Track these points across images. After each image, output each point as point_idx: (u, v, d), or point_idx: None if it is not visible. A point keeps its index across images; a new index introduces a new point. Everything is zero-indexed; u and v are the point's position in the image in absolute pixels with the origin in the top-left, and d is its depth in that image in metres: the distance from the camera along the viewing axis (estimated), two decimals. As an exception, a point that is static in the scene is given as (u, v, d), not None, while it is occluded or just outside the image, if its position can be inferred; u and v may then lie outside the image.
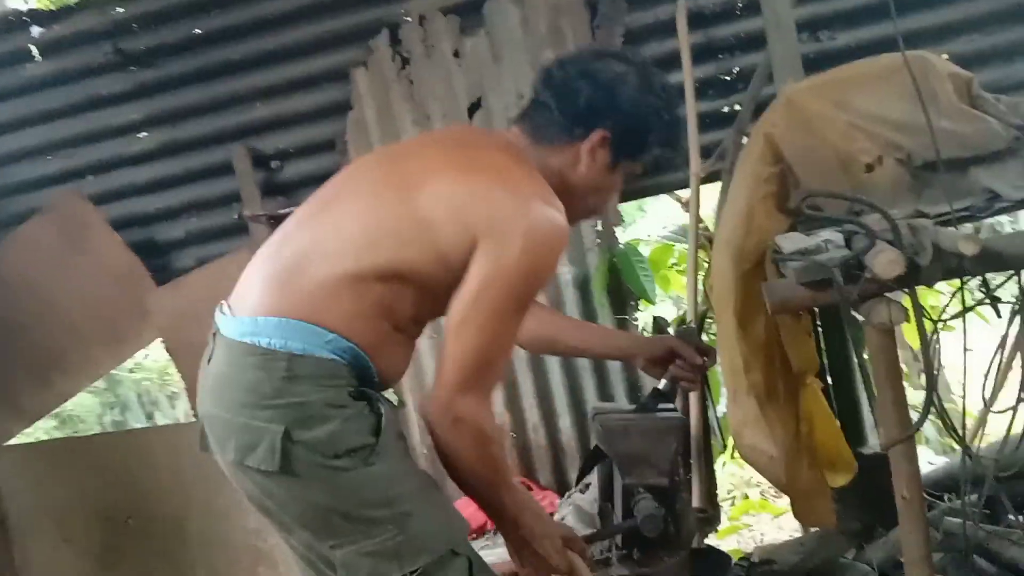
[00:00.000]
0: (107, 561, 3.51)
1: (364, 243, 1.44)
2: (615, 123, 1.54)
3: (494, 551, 2.25)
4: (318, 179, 3.19)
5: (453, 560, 1.45)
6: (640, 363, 1.94)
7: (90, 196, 3.38)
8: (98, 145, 3.44)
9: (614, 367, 3.16)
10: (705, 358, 1.92)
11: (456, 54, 3.12)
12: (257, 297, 1.47)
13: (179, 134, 3.38)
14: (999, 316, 1.72)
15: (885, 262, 1.45)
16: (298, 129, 3.31)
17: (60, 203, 3.38)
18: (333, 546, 1.41)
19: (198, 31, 3.26)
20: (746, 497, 4.76)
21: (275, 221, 3.28)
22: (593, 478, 2.05)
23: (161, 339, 3.49)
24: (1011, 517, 2.24)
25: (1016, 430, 1.87)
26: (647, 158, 1.62)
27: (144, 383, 8.30)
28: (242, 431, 1.39)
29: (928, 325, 1.64)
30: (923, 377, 4.37)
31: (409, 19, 3.15)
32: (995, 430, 2.13)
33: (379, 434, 1.41)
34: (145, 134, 3.42)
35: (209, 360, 1.50)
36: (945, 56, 2.20)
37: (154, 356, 7.50)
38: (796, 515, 2.34)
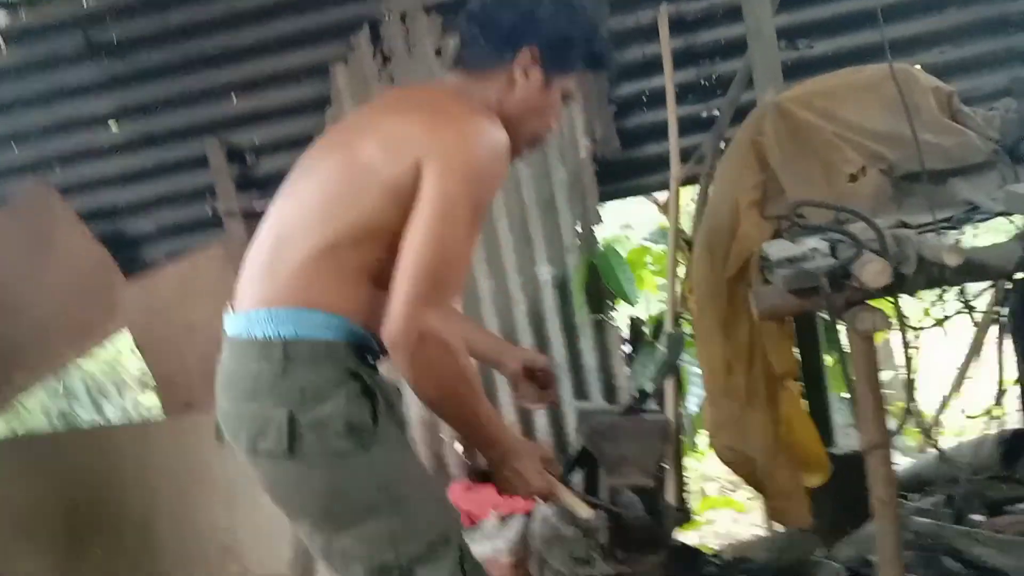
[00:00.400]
0: (71, 560, 3.46)
1: (325, 213, 1.49)
2: (539, 38, 1.58)
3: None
4: (295, 175, 3.25)
5: (446, 547, 1.49)
6: (506, 371, 1.89)
7: (58, 187, 3.31)
8: (67, 136, 3.36)
9: (589, 366, 3.19)
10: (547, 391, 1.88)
11: (438, 53, 3.11)
12: (249, 292, 1.54)
13: (152, 126, 3.31)
14: (975, 325, 1.78)
15: (873, 272, 1.48)
16: (275, 124, 3.27)
17: (28, 194, 3.31)
18: (332, 535, 1.47)
19: (173, 22, 3.20)
20: (703, 492, 4.84)
21: (249, 216, 3.25)
22: (577, 478, 2.06)
23: (130, 333, 3.43)
24: (978, 518, 2.31)
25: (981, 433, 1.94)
26: (576, 69, 1.65)
27: (95, 373, 8.15)
28: (251, 420, 1.46)
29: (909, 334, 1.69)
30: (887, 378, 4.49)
31: (391, 16, 3.13)
32: (961, 432, 2.20)
33: (376, 420, 1.46)
34: (116, 125, 3.34)
35: (220, 360, 1.57)
36: (918, 66, 2.25)
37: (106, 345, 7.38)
38: (772, 515, 2.39)
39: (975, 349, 1.83)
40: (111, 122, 3.37)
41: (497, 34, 1.58)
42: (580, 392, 3.19)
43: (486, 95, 1.59)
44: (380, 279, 1.48)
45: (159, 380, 3.45)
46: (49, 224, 3.32)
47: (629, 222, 4.48)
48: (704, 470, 5.00)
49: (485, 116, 1.52)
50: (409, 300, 1.41)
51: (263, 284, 1.52)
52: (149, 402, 7.72)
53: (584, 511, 1.66)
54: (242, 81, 3.24)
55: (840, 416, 3.02)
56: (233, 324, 1.53)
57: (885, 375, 4.53)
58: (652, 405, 2.00)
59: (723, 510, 4.60)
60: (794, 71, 2.80)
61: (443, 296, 1.46)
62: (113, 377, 8.41)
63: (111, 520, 3.43)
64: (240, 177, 3.29)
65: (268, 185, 3.31)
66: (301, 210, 1.53)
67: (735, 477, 4.72)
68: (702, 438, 3.38)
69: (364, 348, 1.51)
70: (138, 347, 3.46)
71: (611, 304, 3.17)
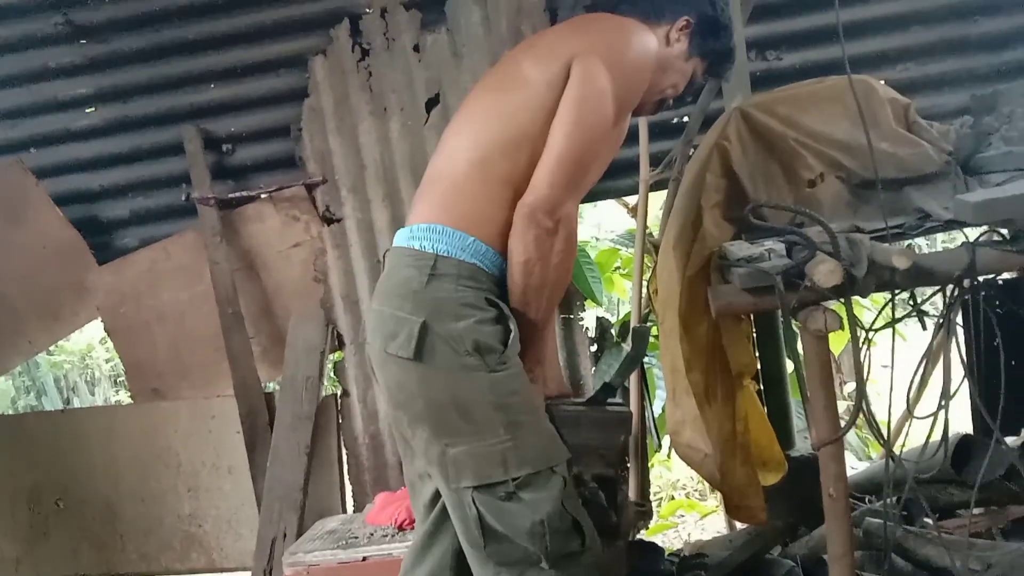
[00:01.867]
0: (34, 544, 3.44)
1: (481, 127, 1.65)
2: (699, 14, 1.84)
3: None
4: (270, 164, 3.28)
5: (552, 477, 1.59)
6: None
7: (33, 169, 3.30)
8: (43, 118, 3.34)
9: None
10: None
11: (416, 48, 3.14)
12: (417, 210, 1.70)
13: (129, 111, 3.31)
14: (924, 328, 1.84)
15: (824, 272, 1.55)
16: (252, 113, 3.28)
17: (1, 175, 3.30)
18: (448, 444, 1.56)
19: (154, 7, 3.20)
20: (672, 498, 4.91)
21: (224, 204, 3.26)
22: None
23: (100, 319, 3.43)
24: (927, 520, 2.38)
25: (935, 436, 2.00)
26: (708, 55, 1.88)
27: (64, 366, 8.05)
28: (389, 321, 1.59)
29: (860, 334, 1.75)
30: (845, 388, 4.58)
31: (371, 11, 3.15)
32: (914, 437, 2.26)
33: (507, 344, 1.57)
34: (93, 109, 3.34)
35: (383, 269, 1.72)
36: (883, 81, 2.32)
37: (75, 338, 7.31)
38: (729, 512, 2.44)
39: (928, 355, 1.89)
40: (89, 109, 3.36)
41: None
42: (547, 388, 3.23)
43: None
44: (522, 190, 1.61)
45: (128, 366, 3.45)
46: (22, 206, 3.31)
47: (599, 225, 4.55)
48: (673, 478, 5.07)
49: (637, 26, 1.74)
50: (555, 181, 1.54)
51: (428, 202, 1.67)
52: (121, 399, 7.67)
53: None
54: (220, 69, 3.24)
55: (799, 420, 3.09)
56: (398, 236, 1.69)
57: (849, 387, 4.64)
58: (617, 400, 2.04)
59: (689, 514, 4.67)
60: (762, 81, 2.87)
61: (583, 185, 1.62)
62: (84, 372, 8.33)
63: (75, 505, 3.43)
64: (215, 165, 3.30)
65: (243, 174, 3.33)
66: (466, 130, 1.69)
67: (702, 485, 4.81)
68: (668, 443, 3.44)
69: (503, 284, 1.64)
70: (108, 333, 3.46)
71: (579, 303, 3.22)
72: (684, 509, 4.67)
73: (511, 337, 1.58)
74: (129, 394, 3.56)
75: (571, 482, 1.64)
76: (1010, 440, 2.60)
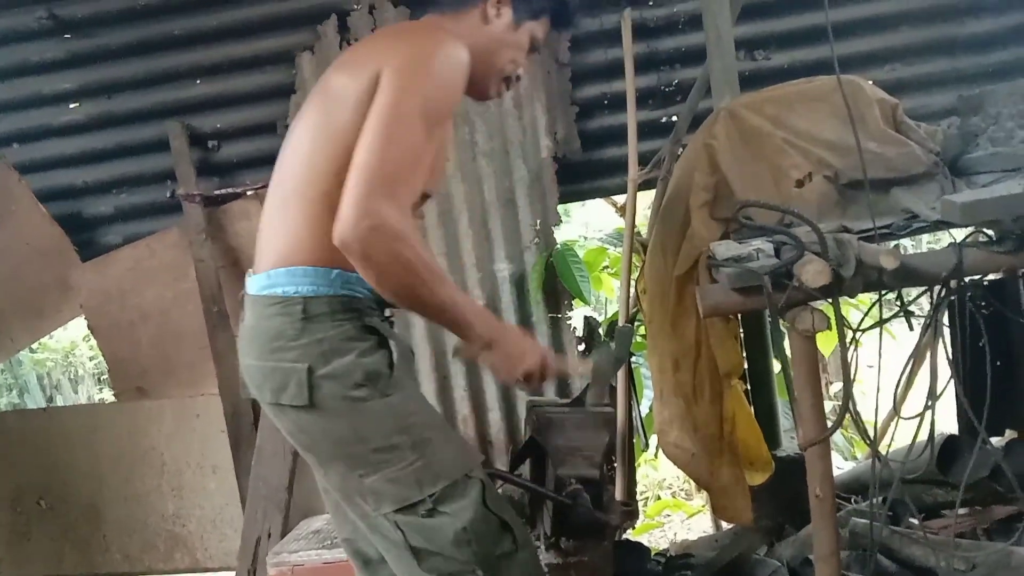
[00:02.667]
0: (16, 544, 3.41)
1: (313, 155, 1.56)
2: None
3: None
4: (257, 161, 3.26)
5: (468, 483, 1.57)
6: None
7: (15, 165, 3.27)
8: (26, 113, 3.31)
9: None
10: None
11: (404, 46, 3.12)
12: (267, 251, 1.62)
13: (113, 106, 3.28)
14: (911, 329, 1.84)
15: (812, 272, 1.54)
16: (239, 109, 3.26)
17: (-18, 170, 3.26)
18: (362, 475, 1.55)
19: (139, 2, 3.17)
20: (659, 498, 4.91)
21: (209, 201, 3.24)
22: (524, 469, 2.09)
23: (84, 317, 3.40)
24: (912, 520, 2.39)
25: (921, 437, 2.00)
26: (543, 15, 1.78)
27: (47, 364, 7.98)
28: (273, 374, 1.54)
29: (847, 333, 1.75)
30: (831, 388, 4.60)
31: (359, 7, 3.13)
32: (900, 437, 2.27)
33: (392, 367, 1.55)
34: (77, 104, 3.31)
35: (243, 320, 1.65)
36: (871, 82, 2.32)
37: (58, 336, 7.24)
38: (715, 511, 2.44)
39: (914, 355, 1.89)
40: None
41: None
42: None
43: (458, 29, 1.69)
44: None
45: (111, 364, 3.41)
46: (5, 203, 3.28)
47: (587, 224, 4.54)
48: (659, 478, 5.08)
49: (445, 35, 1.62)
50: (358, 195, 1.42)
51: (278, 242, 1.59)
52: (105, 397, 7.60)
53: (583, 367, 1.79)
54: (207, 65, 3.22)
55: (786, 420, 3.09)
56: (255, 283, 1.60)
57: (835, 387, 4.65)
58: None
59: (675, 513, 4.67)
60: (751, 81, 2.87)
61: (396, 193, 1.46)
62: (67, 370, 8.26)
63: (57, 505, 3.40)
64: (201, 162, 3.28)
65: (229, 171, 3.30)
66: (295, 162, 1.61)
67: (688, 484, 4.82)
68: (655, 442, 3.44)
69: (380, 300, 1.59)
70: (92, 330, 3.43)
71: (569, 303, 3.21)
72: (670, 509, 4.67)
73: (395, 359, 1.56)
74: (113, 393, 3.53)
75: (491, 484, 1.63)
76: (995, 441, 2.62)
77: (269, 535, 2.99)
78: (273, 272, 1.57)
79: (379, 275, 1.47)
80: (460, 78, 1.60)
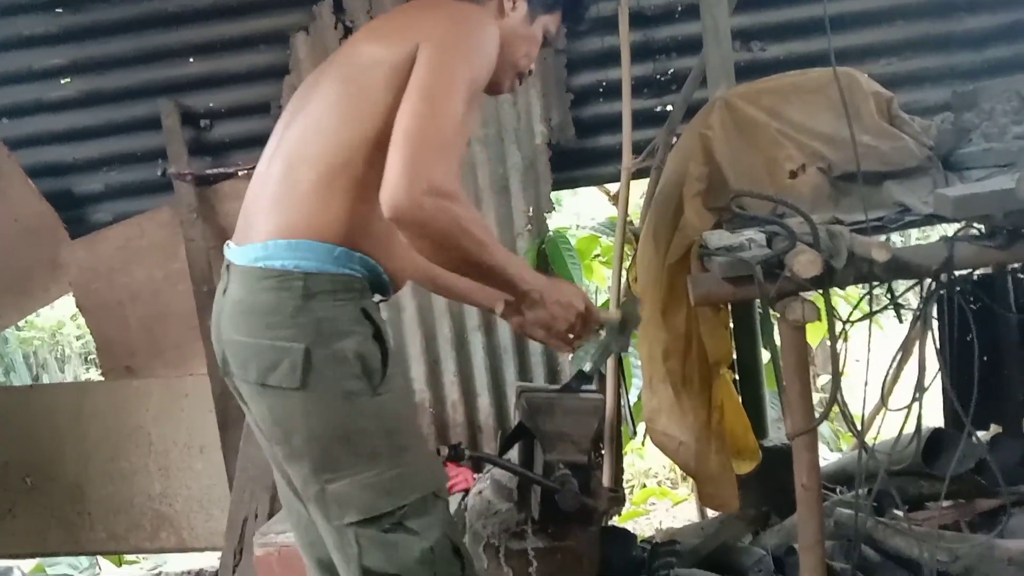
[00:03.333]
0: (0, 521, 3.40)
1: (335, 128, 1.48)
2: None
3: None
4: (249, 141, 3.24)
5: (436, 501, 1.50)
6: (501, 308, 1.82)
7: (5, 140, 3.24)
8: (16, 88, 3.28)
9: (534, 349, 3.23)
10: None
11: (400, 28, 3.11)
12: (263, 221, 1.50)
13: (105, 83, 3.26)
14: (901, 321, 1.85)
15: (804, 262, 1.55)
16: (231, 89, 3.24)
17: (-28, 145, 3.23)
18: (328, 479, 1.45)
19: (133, -22, 3.15)
20: (644, 486, 4.94)
21: (201, 181, 3.22)
22: (513, 454, 2.10)
23: (73, 295, 3.38)
24: (897, 511, 2.41)
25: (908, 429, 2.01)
26: (556, 9, 1.76)
27: (34, 342, 7.94)
28: (265, 352, 1.43)
29: (836, 326, 1.76)
30: (819, 380, 4.63)
31: (355, -12, 3.12)
32: (889, 428, 2.29)
33: (387, 364, 1.47)
34: (68, 80, 3.28)
35: (224, 291, 1.53)
36: (866, 75, 2.33)
37: (45, 314, 7.20)
38: (702, 499, 2.46)
39: (903, 347, 1.90)
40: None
41: None
42: (524, 374, 3.23)
43: None
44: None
45: (100, 343, 3.40)
46: (-7, 177, 3.25)
47: (578, 213, 4.54)
48: (646, 466, 5.11)
49: (482, 14, 1.61)
50: (409, 160, 1.35)
51: (279, 212, 1.48)
52: (92, 376, 7.57)
53: (614, 315, 1.81)
54: (200, 43, 3.20)
55: (774, 410, 3.11)
56: (245, 254, 1.48)
57: (823, 379, 4.69)
58: (591, 387, 2.04)
59: (661, 501, 4.70)
60: (747, 72, 2.85)
61: (447, 158, 1.40)
62: (54, 348, 8.22)
63: (43, 483, 3.39)
64: (193, 141, 3.26)
65: (221, 150, 3.28)
66: (310, 131, 1.51)
67: (674, 473, 4.85)
68: (644, 430, 3.46)
69: (376, 285, 1.53)
70: (80, 309, 3.41)
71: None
72: (656, 497, 4.70)
73: (388, 355, 1.48)
74: (100, 371, 3.52)
75: (448, 506, 1.54)
76: (981, 434, 2.64)
77: (256, 515, 2.99)
78: (272, 243, 1.45)
79: (438, 240, 1.39)
80: (495, 57, 1.58)
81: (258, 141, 3.22)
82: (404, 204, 1.34)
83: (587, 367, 1.99)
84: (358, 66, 1.52)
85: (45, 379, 7.77)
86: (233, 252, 1.53)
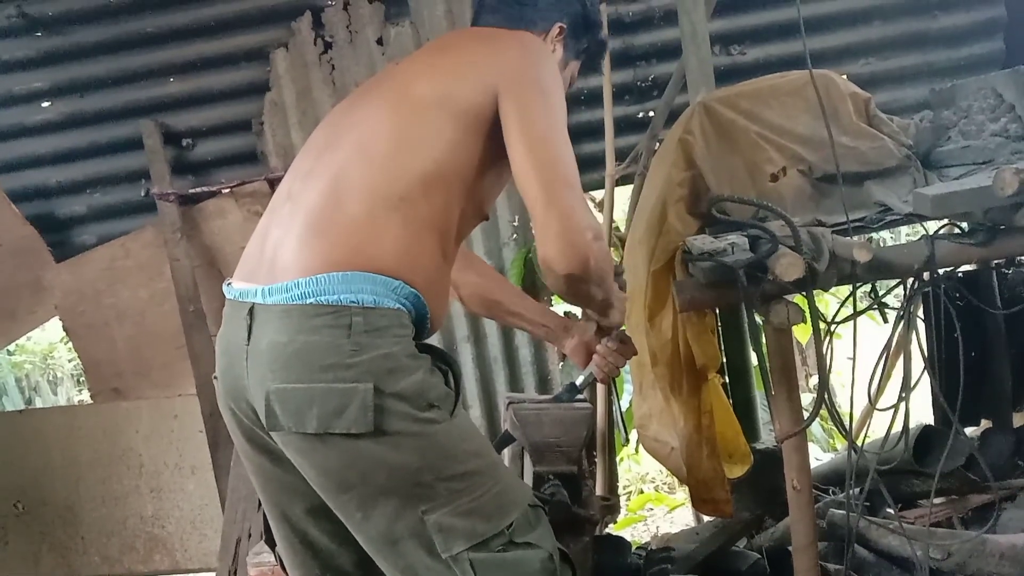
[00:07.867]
0: (-9, 547, 3.37)
1: (394, 154, 1.42)
2: (570, 17, 1.69)
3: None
4: (231, 159, 3.24)
5: (536, 511, 1.43)
6: (566, 346, 1.86)
7: (-14, 165, 3.23)
8: (-3, 112, 3.28)
9: (524, 359, 3.22)
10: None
11: (380, 42, 3.11)
12: (298, 256, 1.38)
13: (86, 105, 3.25)
14: (885, 321, 1.86)
15: (786, 265, 1.55)
16: (213, 107, 3.23)
17: (-47, 171, 3.22)
18: (425, 511, 1.34)
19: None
20: (641, 492, 4.93)
21: (184, 200, 3.21)
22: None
23: (59, 317, 3.36)
24: (889, 510, 2.41)
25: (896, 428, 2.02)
26: (582, 56, 1.77)
27: (26, 366, 7.91)
28: (326, 396, 1.30)
29: (821, 327, 1.77)
30: (810, 380, 4.63)
31: (333, 3, 3.12)
32: (878, 427, 2.29)
33: (458, 388, 1.43)
34: (49, 103, 3.27)
35: (249, 338, 1.37)
36: (844, 76, 2.34)
37: (36, 338, 7.17)
38: (695, 505, 2.45)
39: (889, 347, 1.91)
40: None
41: (543, 3, 1.67)
42: (514, 385, 3.23)
43: None
44: (445, 237, 1.44)
45: (87, 365, 3.38)
46: (-25, 203, 3.24)
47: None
48: (642, 472, 5.10)
49: (543, 46, 1.61)
50: (565, 214, 1.33)
51: (325, 243, 1.36)
52: (84, 398, 7.54)
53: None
54: (180, 62, 3.19)
55: (764, 413, 3.11)
56: (282, 291, 1.35)
57: (815, 379, 4.69)
58: (580, 397, 2.03)
59: (658, 507, 4.69)
60: (727, 76, 2.88)
61: (583, 199, 1.39)
62: (45, 372, 8.18)
63: (35, 507, 3.36)
64: (175, 160, 3.25)
65: (203, 169, 3.28)
66: (362, 157, 1.43)
67: (671, 478, 4.84)
68: (636, 437, 3.46)
69: (421, 326, 1.43)
70: (67, 332, 3.39)
71: (549, 300, 3.21)
72: (653, 502, 4.69)
73: (451, 379, 1.42)
74: (89, 394, 3.50)
75: (546, 512, 1.50)
76: (969, 430, 2.65)
77: (249, 535, 2.97)
78: (323, 277, 1.32)
79: (597, 280, 1.40)
80: (560, 85, 1.56)
81: (240, 159, 3.28)
82: (579, 256, 1.33)
83: (579, 380, 1.98)
84: (415, 98, 1.45)
85: (38, 402, 7.73)
86: (256, 292, 1.38)
